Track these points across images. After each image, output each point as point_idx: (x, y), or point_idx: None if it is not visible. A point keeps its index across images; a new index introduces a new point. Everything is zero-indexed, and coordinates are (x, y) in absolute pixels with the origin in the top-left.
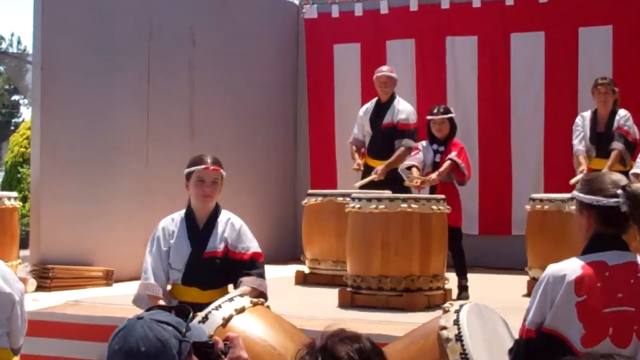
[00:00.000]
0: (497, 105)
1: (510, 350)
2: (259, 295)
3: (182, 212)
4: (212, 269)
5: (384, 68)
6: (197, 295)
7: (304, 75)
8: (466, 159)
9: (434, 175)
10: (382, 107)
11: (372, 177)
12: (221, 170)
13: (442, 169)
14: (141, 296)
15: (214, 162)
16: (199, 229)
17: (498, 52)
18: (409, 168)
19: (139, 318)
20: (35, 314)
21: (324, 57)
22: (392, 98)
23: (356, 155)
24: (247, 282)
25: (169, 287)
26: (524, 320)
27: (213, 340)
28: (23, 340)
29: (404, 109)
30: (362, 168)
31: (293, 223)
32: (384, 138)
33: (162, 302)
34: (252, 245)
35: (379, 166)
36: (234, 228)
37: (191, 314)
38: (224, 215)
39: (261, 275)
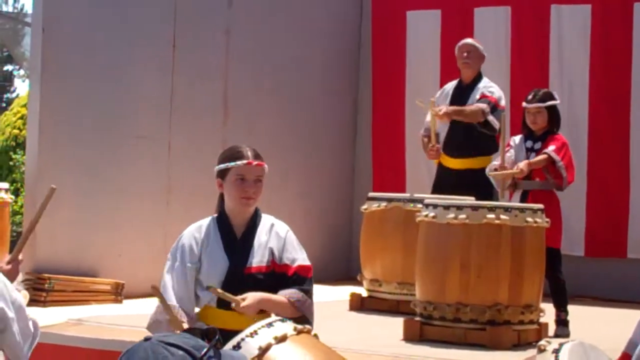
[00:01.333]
0: (614, 95)
1: None
2: (299, 318)
3: (212, 218)
4: (254, 287)
5: (469, 39)
6: (235, 320)
7: (368, 50)
8: (569, 157)
9: (521, 165)
10: (465, 90)
11: (437, 109)
12: (265, 166)
13: (534, 159)
14: (158, 321)
15: (255, 155)
16: (236, 238)
17: (616, 25)
18: (496, 170)
19: (147, 339)
20: None
21: (395, 27)
22: (477, 78)
23: (433, 135)
24: (283, 293)
25: (196, 310)
26: (627, 349)
27: None
28: (28, 353)
29: (493, 89)
30: (439, 148)
31: (349, 234)
32: (466, 130)
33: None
34: (298, 256)
35: (446, 108)
36: (279, 236)
37: (217, 337)
38: (266, 221)
39: (306, 292)
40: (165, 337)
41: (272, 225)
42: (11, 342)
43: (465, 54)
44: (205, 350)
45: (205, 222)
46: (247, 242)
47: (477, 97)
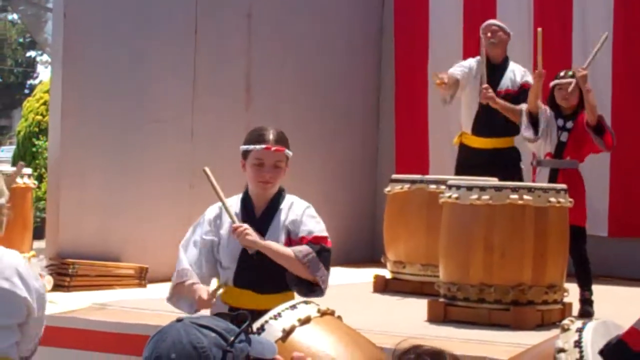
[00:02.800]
0: (638, 74)
1: (611, 356)
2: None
3: (237, 197)
4: (270, 267)
5: (493, 20)
6: (252, 300)
7: (391, 32)
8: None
9: (582, 70)
10: (497, 69)
11: (489, 93)
12: (286, 151)
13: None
14: (176, 290)
15: (277, 139)
16: (255, 218)
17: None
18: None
19: (179, 320)
20: (51, 318)
21: (417, 8)
22: (507, 59)
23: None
24: (298, 250)
25: (220, 291)
26: (637, 326)
27: (275, 359)
28: (35, 349)
29: (524, 71)
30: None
31: (372, 216)
32: (496, 111)
33: (201, 289)
34: (316, 228)
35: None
36: (296, 212)
37: (248, 322)
38: (287, 200)
39: (325, 263)
40: (197, 319)
41: (292, 203)
42: (26, 335)
43: (489, 34)
44: (236, 334)
45: (233, 199)
46: (265, 221)
47: (518, 80)
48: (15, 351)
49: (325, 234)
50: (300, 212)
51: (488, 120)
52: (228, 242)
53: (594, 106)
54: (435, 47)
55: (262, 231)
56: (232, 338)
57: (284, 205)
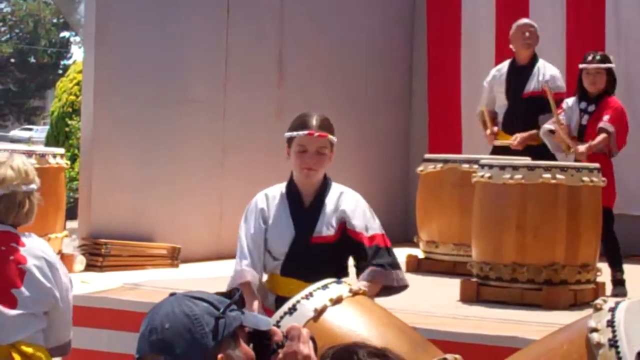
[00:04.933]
0: None
1: None
2: (391, 289)
3: (282, 186)
4: (320, 257)
5: (527, 20)
6: (299, 288)
7: (423, 12)
8: (623, 123)
9: (582, 148)
10: (523, 71)
11: (510, 141)
12: (329, 137)
13: (595, 141)
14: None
15: (320, 125)
16: (304, 207)
17: None
18: (552, 132)
19: (172, 294)
20: (83, 298)
21: None
22: (534, 59)
23: (488, 123)
24: (369, 276)
25: (265, 278)
26: None
27: (270, 330)
28: (71, 336)
29: (552, 73)
30: (497, 132)
31: (405, 196)
32: (527, 110)
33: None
34: (371, 225)
35: (520, 134)
36: (348, 204)
37: (239, 294)
38: (336, 190)
39: (391, 265)
40: (190, 292)
41: (342, 193)
42: (56, 323)
43: (527, 34)
44: (228, 303)
45: (273, 190)
46: (315, 211)
47: (543, 79)
48: (41, 338)
49: (381, 230)
50: (353, 205)
51: (520, 120)
52: (277, 231)
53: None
54: (467, 25)
55: (313, 221)
56: (222, 307)
57: (332, 194)
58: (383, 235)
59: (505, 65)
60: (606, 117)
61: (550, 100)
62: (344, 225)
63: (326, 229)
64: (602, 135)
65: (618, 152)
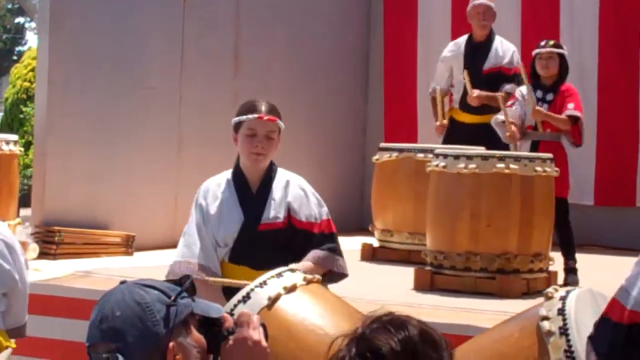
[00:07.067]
0: (623, 47)
1: (599, 337)
2: (331, 276)
3: (228, 172)
4: (269, 244)
5: None
6: (248, 276)
7: (380, 0)
8: (580, 110)
9: (476, 92)
10: (480, 48)
11: (471, 93)
12: (278, 121)
13: (555, 116)
14: (176, 274)
15: (269, 110)
16: (251, 194)
17: None
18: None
19: (122, 282)
20: (36, 286)
21: None
22: (491, 36)
23: (439, 110)
24: (313, 258)
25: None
26: (618, 297)
27: (221, 317)
28: (27, 318)
29: (508, 48)
30: (446, 125)
31: (360, 185)
32: (486, 86)
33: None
34: (319, 211)
35: (480, 91)
36: (297, 191)
37: (190, 281)
38: (282, 176)
39: (334, 251)
40: (140, 280)
41: (288, 180)
42: (15, 305)
43: (481, 14)
44: (179, 291)
45: (221, 177)
46: (262, 197)
47: (506, 60)
48: (1, 321)
49: (328, 216)
50: (300, 192)
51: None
52: (225, 218)
53: (558, 122)
54: (424, 15)
55: (260, 207)
56: (173, 295)
57: (278, 181)
58: (329, 221)
59: (462, 40)
60: (571, 105)
61: (523, 78)
62: (291, 213)
63: (274, 215)
64: (563, 117)
65: (583, 143)
